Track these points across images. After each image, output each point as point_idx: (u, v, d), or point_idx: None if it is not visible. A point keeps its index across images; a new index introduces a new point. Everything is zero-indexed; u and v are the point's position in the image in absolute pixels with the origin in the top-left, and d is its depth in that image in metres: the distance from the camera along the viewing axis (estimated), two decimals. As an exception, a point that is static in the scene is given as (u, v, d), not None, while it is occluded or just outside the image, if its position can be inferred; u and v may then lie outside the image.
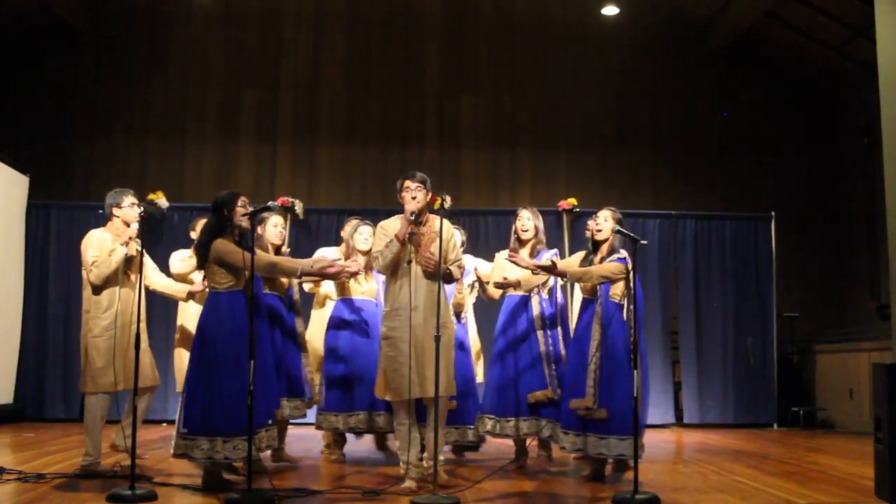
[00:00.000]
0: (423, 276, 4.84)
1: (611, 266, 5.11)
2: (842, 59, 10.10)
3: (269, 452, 5.76)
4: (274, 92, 10.70)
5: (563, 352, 5.59)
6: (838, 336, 10.03)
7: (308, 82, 10.74)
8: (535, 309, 5.63)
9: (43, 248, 9.43)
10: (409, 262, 4.84)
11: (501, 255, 5.80)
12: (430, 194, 4.87)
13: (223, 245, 4.72)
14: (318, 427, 6.02)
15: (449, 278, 4.97)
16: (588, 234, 5.65)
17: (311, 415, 6.23)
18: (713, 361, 9.65)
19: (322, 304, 6.37)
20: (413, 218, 4.82)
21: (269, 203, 4.94)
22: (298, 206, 9.50)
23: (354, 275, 5.39)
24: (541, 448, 6.15)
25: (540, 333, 5.58)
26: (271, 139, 10.61)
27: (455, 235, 5.31)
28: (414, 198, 4.84)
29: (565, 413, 5.22)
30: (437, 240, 4.73)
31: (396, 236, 4.81)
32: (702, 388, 9.60)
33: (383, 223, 4.98)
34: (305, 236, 9.38)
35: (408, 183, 4.88)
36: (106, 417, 5.38)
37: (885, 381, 4.39)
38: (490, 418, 5.59)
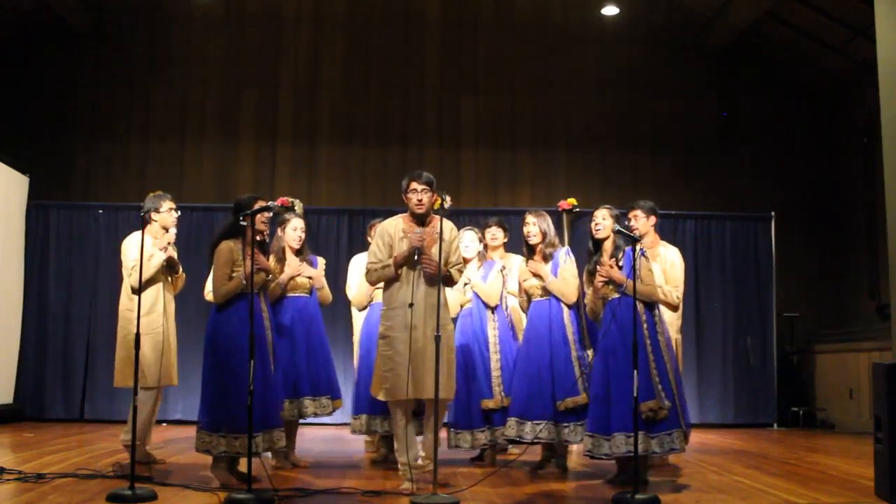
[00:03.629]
0: (422, 277, 4.80)
1: (651, 285, 5.02)
2: (842, 59, 10.10)
3: (269, 455, 5.77)
4: (274, 92, 10.69)
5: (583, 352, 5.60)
6: (838, 336, 10.02)
7: (308, 82, 10.74)
8: (565, 312, 5.60)
9: (43, 248, 9.44)
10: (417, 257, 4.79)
11: (520, 266, 5.84)
12: (435, 196, 4.82)
13: (224, 252, 4.85)
14: (355, 431, 6.00)
15: (449, 282, 4.93)
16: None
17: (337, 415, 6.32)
18: (713, 361, 9.66)
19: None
20: (415, 252, 4.73)
21: (269, 203, 4.95)
22: (298, 206, 9.46)
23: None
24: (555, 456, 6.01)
25: (572, 338, 5.57)
26: (271, 139, 10.61)
27: (465, 237, 5.34)
28: (420, 201, 4.78)
29: (615, 415, 4.92)
30: (439, 242, 4.69)
31: (395, 259, 4.77)
32: (702, 388, 9.60)
33: (383, 225, 4.91)
34: (305, 236, 9.36)
35: (414, 184, 4.81)
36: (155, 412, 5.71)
37: (885, 381, 4.39)
38: (518, 422, 5.55)
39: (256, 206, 4.85)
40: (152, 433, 5.99)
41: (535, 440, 5.55)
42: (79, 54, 10.56)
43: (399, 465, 4.83)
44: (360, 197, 10.47)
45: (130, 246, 5.61)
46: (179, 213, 5.42)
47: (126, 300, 5.61)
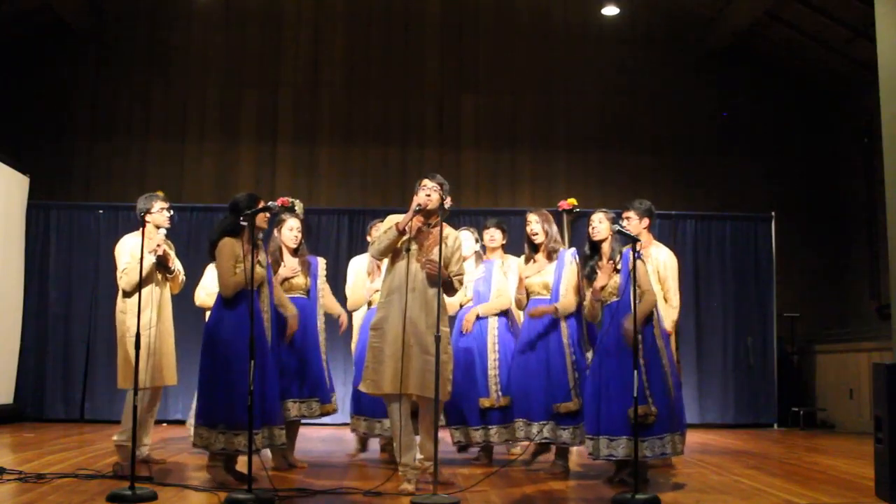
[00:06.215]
0: (421, 277, 4.78)
1: (650, 300, 5.02)
2: (842, 59, 10.10)
3: (268, 454, 5.77)
4: (274, 92, 10.69)
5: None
6: (838, 336, 10.03)
7: (308, 82, 10.74)
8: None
9: (43, 248, 9.43)
10: (408, 249, 4.78)
11: (519, 264, 5.82)
12: (446, 199, 4.83)
13: (227, 247, 4.83)
14: (354, 430, 6.13)
15: (449, 289, 4.89)
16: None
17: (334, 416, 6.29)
18: (713, 361, 9.66)
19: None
20: (418, 209, 4.77)
21: (269, 203, 4.96)
22: (298, 207, 9.46)
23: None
24: (557, 456, 6.03)
25: (567, 342, 5.57)
26: (271, 139, 10.61)
27: (464, 245, 5.28)
28: (427, 195, 4.81)
29: (604, 417, 4.99)
30: (440, 246, 4.69)
31: (397, 225, 4.78)
32: (702, 388, 9.60)
33: (393, 216, 4.94)
34: (305, 236, 9.33)
35: (425, 182, 4.85)
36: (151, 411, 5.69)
37: (885, 381, 4.39)
38: (525, 423, 5.59)
39: (257, 205, 4.86)
40: (151, 434, 5.98)
41: (544, 440, 5.59)
42: (79, 54, 10.56)
43: (399, 467, 4.82)
44: (360, 197, 10.47)
45: (123, 249, 5.63)
46: (172, 212, 5.33)
47: (120, 302, 5.62)
